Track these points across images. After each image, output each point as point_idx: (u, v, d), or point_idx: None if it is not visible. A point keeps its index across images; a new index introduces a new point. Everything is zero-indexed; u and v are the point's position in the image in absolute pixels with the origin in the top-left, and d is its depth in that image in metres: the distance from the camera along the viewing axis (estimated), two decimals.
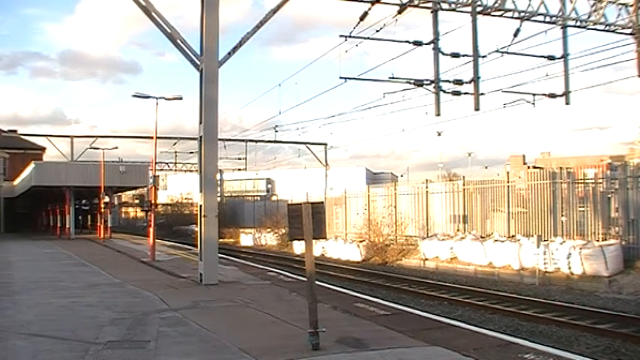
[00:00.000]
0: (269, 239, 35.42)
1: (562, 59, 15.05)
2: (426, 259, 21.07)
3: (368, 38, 14.41)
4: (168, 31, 12.77)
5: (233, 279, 13.68)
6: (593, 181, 18.17)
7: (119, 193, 54.15)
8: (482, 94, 13.99)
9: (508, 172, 25.56)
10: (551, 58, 15.12)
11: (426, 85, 14.28)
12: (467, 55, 13.91)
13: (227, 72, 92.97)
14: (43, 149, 48.07)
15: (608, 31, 15.53)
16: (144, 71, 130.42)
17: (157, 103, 20.64)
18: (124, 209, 68.63)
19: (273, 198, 48.28)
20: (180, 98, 21.18)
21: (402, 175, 60.52)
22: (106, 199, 34.72)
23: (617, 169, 17.75)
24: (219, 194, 41.78)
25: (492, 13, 14.22)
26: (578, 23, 15.17)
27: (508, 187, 20.11)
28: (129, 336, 7.66)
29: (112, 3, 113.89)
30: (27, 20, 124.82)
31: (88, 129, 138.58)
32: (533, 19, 14.56)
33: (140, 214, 52.00)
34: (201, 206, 12.91)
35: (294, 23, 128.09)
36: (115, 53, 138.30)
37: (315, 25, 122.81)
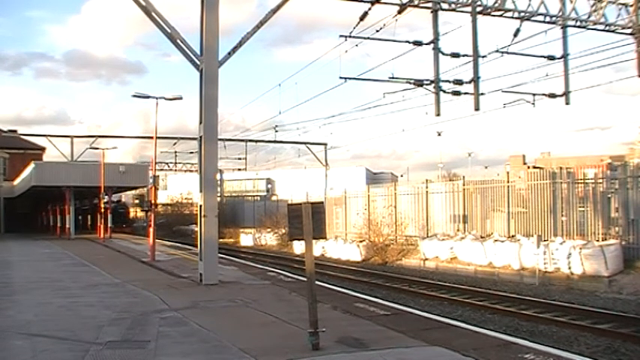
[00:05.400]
0: (269, 239, 35.42)
1: (562, 59, 15.05)
2: (426, 259, 21.07)
3: (368, 38, 14.41)
4: (168, 31, 12.77)
5: (233, 279, 13.68)
6: (593, 181, 18.17)
7: (119, 193, 54.13)
8: (482, 94, 13.99)
9: (508, 172, 25.59)
10: (551, 58, 15.11)
11: (426, 85, 14.28)
12: (467, 55, 13.91)
13: (230, 73, 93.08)
14: (43, 149, 48.05)
15: (608, 31, 15.52)
16: (149, 72, 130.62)
17: (157, 103, 20.66)
18: None
19: (273, 198, 48.25)
20: (181, 98, 21.19)
21: (402, 175, 60.47)
22: (106, 199, 34.73)
23: (617, 169, 17.74)
24: (219, 194, 41.76)
25: (492, 13, 14.22)
26: (578, 23, 15.17)
27: (508, 187, 20.12)
28: (129, 336, 7.66)
29: (118, 4, 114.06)
30: (31, 22, 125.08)
31: (91, 129, 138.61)
32: (533, 19, 14.55)
33: (140, 214, 51.93)
34: (201, 206, 12.91)
35: (297, 25, 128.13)
36: (120, 54, 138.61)
37: (318, 26, 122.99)
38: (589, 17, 15.15)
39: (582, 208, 17.63)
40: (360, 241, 25.05)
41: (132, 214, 57.25)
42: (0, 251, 24.13)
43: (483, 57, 14.21)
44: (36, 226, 50.08)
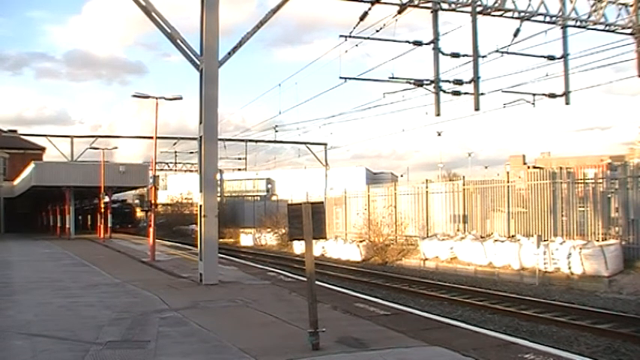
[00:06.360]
0: (269, 239, 35.43)
1: (562, 59, 15.05)
2: (426, 259, 21.07)
3: (368, 38, 14.42)
4: (168, 31, 12.77)
5: (233, 279, 13.68)
6: (593, 181, 18.17)
7: (119, 193, 54.15)
8: (482, 94, 13.99)
9: (508, 172, 25.59)
10: (551, 58, 15.12)
11: (426, 85, 14.28)
12: (467, 55, 13.91)
13: (230, 73, 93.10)
14: (43, 149, 48.07)
15: (608, 31, 15.53)
16: (149, 72, 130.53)
17: (157, 103, 20.68)
18: None
19: (273, 198, 48.26)
20: (180, 98, 21.22)
21: (402, 175, 60.46)
22: (106, 199, 34.72)
23: (617, 169, 17.74)
24: (219, 194, 41.74)
25: (492, 13, 14.22)
26: (578, 23, 15.17)
27: (508, 187, 20.12)
28: (129, 336, 7.66)
29: (118, 4, 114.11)
30: (31, 22, 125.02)
31: (92, 130, 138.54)
32: (533, 19, 14.56)
33: (140, 214, 51.94)
34: (201, 206, 12.91)
35: (297, 25, 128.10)
36: (120, 54, 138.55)
37: (318, 26, 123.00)
38: (589, 17, 15.15)
39: (582, 208, 17.63)
40: (360, 241, 25.05)
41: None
42: (0, 251, 24.13)
43: (483, 57, 14.23)
44: (36, 226, 50.09)
